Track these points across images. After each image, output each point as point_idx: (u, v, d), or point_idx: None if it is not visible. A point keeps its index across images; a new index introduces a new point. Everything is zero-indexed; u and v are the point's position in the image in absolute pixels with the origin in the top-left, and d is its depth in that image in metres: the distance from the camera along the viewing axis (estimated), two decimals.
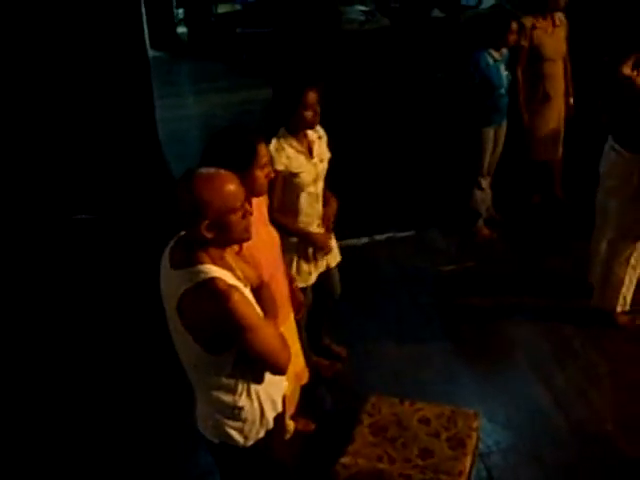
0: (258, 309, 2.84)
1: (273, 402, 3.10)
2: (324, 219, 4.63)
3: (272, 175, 3.67)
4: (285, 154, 4.26)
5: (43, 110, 7.27)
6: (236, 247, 3.25)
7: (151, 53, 12.85)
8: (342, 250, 5.02)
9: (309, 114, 4.27)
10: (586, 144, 6.66)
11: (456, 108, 6.78)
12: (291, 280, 4.17)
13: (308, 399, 4.61)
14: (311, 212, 4.51)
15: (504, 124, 6.72)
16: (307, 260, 4.59)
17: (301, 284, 4.52)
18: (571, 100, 7.22)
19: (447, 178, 7.86)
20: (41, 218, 7.19)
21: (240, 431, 2.99)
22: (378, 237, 7.21)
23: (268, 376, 2.98)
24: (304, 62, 12.60)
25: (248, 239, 2.91)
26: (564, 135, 7.30)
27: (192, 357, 2.82)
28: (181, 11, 18.44)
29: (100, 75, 7.35)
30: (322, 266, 4.74)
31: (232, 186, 2.70)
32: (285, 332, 3.27)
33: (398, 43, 15.18)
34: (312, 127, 4.41)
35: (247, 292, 2.84)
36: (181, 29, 18.15)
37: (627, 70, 4.96)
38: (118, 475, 4.56)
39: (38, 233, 7.00)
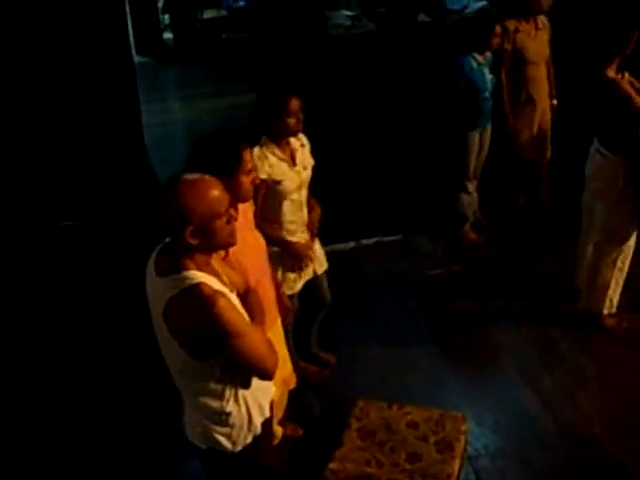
0: (245, 315, 2.84)
1: (261, 407, 3.10)
2: (309, 225, 4.63)
3: (257, 181, 3.67)
4: (268, 162, 4.22)
5: (28, 116, 7.23)
6: (222, 253, 3.25)
7: (137, 59, 12.87)
8: (329, 255, 5.01)
9: (292, 121, 4.24)
10: (572, 147, 6.68)
11: (441, 112, 6.79)
12: (278, 285, 4.16)
13: (296, 404, 4.60)
14: (295, 219, 4.49)
15: (489, 127, 6.74)
16: (292, 268, 4.59)
17: (287, 291, 4.51)
18: (555, 102, 7.25)
19: (433, 182, 7.87)
20: (27, 225, 7.15)
21: (228, 437, 2.99)
22: (365, 241, 7.21)
23: (255, 381, 2.98)
24: (289, 68, 12.63)
25: (233, 244, 2.90)
26: (551, 137, 7.33)
27: (179, 363, 2.82)
28: (167, 17, 18.45)
29: (86, 81, 7.32)
30: (308, 274, 4.73)
31: (216, 192, 2.70)
32: (272, 337, 3.27)
33: (384, 48, 15.19)
34: (295, 134, 4.39)
35: (233, 298, 2.83)
36: (167, 35, 18.16)
37: (611, 73, 4.98)
38: None
39: (24, 240, 6.97)
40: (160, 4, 18.67)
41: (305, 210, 4.56)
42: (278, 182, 4.28)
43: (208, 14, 18.28)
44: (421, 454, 3.94)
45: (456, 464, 3.92)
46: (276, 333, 3.92)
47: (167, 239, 2.80)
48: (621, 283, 5.54)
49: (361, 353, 5.52)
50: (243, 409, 2.98)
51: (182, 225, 2.64)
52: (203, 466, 3.18)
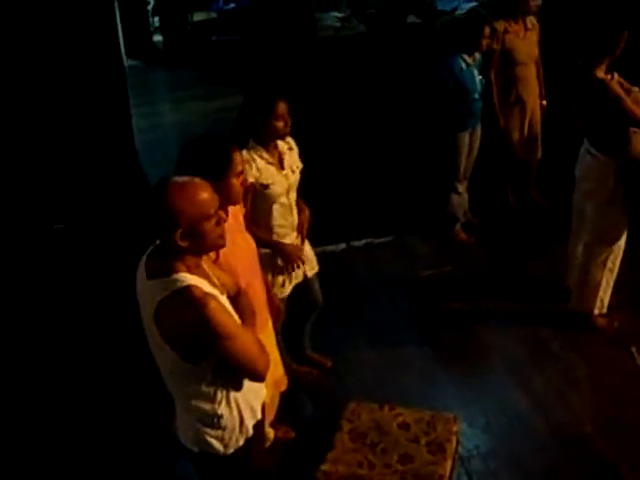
0: (235, 316, 2.84)
1: (252, 410, 3.10)
2: (299, 228, 4.62)
3: (247, 183, 3.67)
4: (255, 166, 4.21)
5: (20, 119, 7.22)
6: (213, 255, 3.25)
7: (127, 62, 12.82)
8: (320, 257, 5.02)
9: (280, 125, 4.23)
10: (562, 147, 6.70)
11: (431, 113, 6.80)
12: (268, 287, 4.16)
13: (288, 406, 4.60)
14: (284, 223, 4.49)
15: (478, 128, 6.75)
16: (282, 271, 4.58)
17: (277, 295, 4.51)
18: (544, 103, 7.27)
19: (424, 183, 7.88)
20: (20, 228, 7.14)
21: (220, 439, 2.99)
22: (356, 243, 7.21)
23: (247, 383, 2.98)
24: (279, 70, 12.62)
25: (223, 246, 2.91)
26: (541, 138, 7.35)
27: (170, 366, 2.82)
28: (157, 19, 18.42)
29: (76, 84, 7.31)
30: (298, 276, 4.72)
31: (205, 194, 2.70)
32: (263, 339, 3.26)
33: (374, 49, 15.20)
34: (283, 138, 4.38)
35: (224, 300, 2.84)
36: (157, 37, 18.11)
37: (601, 74, 4.99)
38: None
39: (17, 243, 6.96)
40: (150, 7, 18.64)
41: (295, 213, 4.56)
42: (266, 186, 4.27)
43: (198, 17, 18.27)
44: (413, 455, 3.94)
45: (448, 465, 3.92)
46: (267, 335, 3.92)
47: (157, 242, 2.79)
48: (612, 283, 5.56)
49: (353, 355, 5.52)
50: (235, 411, 2.98)
51: (172, 228, 2.64)
52: (195, 469, 3.17)
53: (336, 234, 7.17)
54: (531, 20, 6.98)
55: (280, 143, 4.41)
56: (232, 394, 2.94)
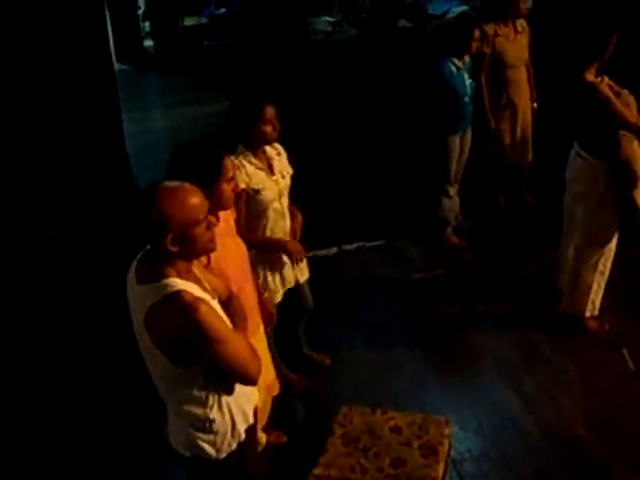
0: (227, 321, 2.84)
1: (244, 414, 3.10)
2: (292, 233, 4.62)
3: (238, 189, 3.67)
4: (245, 171, 4.19)
5: (10, 124, 7.22)
6: (204, 260, 3.26)
7: (117, 66, 12.84)
8: (312, 261, 5.02)
9: (268, 129, 4.22)
10: (552, 150, 6.71)
11: (421, 117, 6.81)
12: (260, 291, 4.15)
13: (280, 411, 4.60)
14: (278, 229, 4.48)
15: (469, 132, 6.76)
16: (274, 277, 4.58)
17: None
18: (535, 105, 7.28)
19: (415, 187, 7.89)
20: (11, 234, 7.13)
21: (212, 444, 2.99)
22: (347, 247, 7.21)
23: (239, 387, 2.98)
24: (270, 74, 12.63)
25: (213, 250, 2.92)
26: (532, 140, 7.37)
27: (161, 371, 2.82)
28: (147, 24, 18.44)
29: (66, 89, 7.31)
30: (290, 282, 4.73)
31: (195, 198, 2.70)
32: (255, 344, 3.26)
33: (365, 53, 15.23)
34: (271, 142, 4.36)
35: (215, 304, 2.84)
36: (148, 42, 18.13)
37: (590, 77, 5.01)
38: None
39: (8, 249, 6.95)
40: (140, 11, 18.66)
41: (288, 219, 4.55)
42: (257, 191, 4.25)
43: (189, 21, 18.31)
44: (405, 459, 3.93)
45: (440, 468, 3.91)
46: (259, 339, 3.92)
47: (147, 247, 2.79)
48: (603, 285, 5.57)
49: (345, 358, 5.51)
50: (227, 416, 2.98)
51: (162, 233, 2.63)
52: (187, 474, 3.16)
53: (328, 238, 7.17)
54: (521, 23, 7.00)
55: (268, 149, 4.39)
56: (224, 398, 2.94)
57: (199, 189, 2.76)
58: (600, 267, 5.47)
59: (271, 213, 4.40)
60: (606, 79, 5.09)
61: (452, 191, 6.93)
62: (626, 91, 5.11)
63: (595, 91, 4.96)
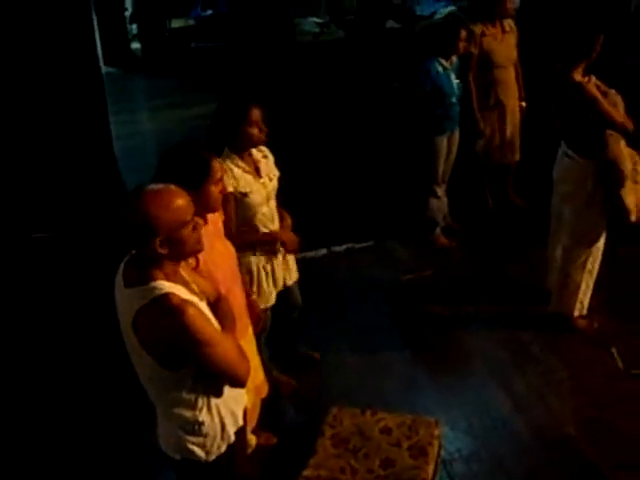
0: (215, 323, 2.83)
1: (234, 416, 3.09)
2: None
3: (226, 191, 3.67)
4: (232, 175, 4.15)
5: None
6: (193, 262, 3.25)
7: (105, 69, 12.82)
8: (301, 262, 5.02)
9: (255, 131, 4.19)
10: (540, 150, 6.72)
11: (409, 117, 6.81)
12: (248, 293, 4.15)
13: (269, 412, 4.59)
14: (267, 232, 4.48)
15: (456, 132, 6.76)
16: (267, 280, 4.57)
17: (262, 305, 4.51)
18: (523, 104, 7.29)
19: (403, 188, 7.90)
20: None
21: (202, 446, 2.99)
22: (337, 248, 7.22)
23: (228, 390, 2.98)
24: (258, 75, 12.62)
25: (201, 250, 2.92)
26: (520, 140, 7.39)
27: (150, 373, 2.81)
28: (135, 27, 18.42)
29: (53, 92, 7.28)
30: (280, 285, 4.73)
31: (180, 200, 2.70)
32: (244, 345, 3.26)
33: (353, 54, 15.25)
34: (258, 145, 4.33)
35: (203, 306, 2.84)
36: (135, 45, 18.10)
37: (578, 76, 5.02)
38: None
39: None
40: (128, 14, 18.64)
41: (277, 221, 4.53)
42: (245, 194, 4.22)
43: (176, 23, 18.30)
44: (395, 460, 3.93)
45: (430, 469, 3.91)
46: (247, 341, 3.91)
47: (134, 250, 2.78)
48: (591, 285, 5.58)
49: (335, 360, 5.51)
50: (216, 418, 2.98)
51: (150, 236, 2.63)
52: (177, 476, 3.16)
53: (317, 240, 7.16)
54: (509, 23, 7.00)
55: (254, 151, 4.36)
56: (213, 401, 2.94)
57: (184, 191, 2.75)
58: (588, 266, 5.48)
59: (260, 217, 4.38)
60: (593, 79, 5.10)
61: (440, 191, 6.94)
62: (613, 91, 5.12)
63: (582, 91, 4.97)
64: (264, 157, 4.42)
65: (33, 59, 7.08)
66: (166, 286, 2.68)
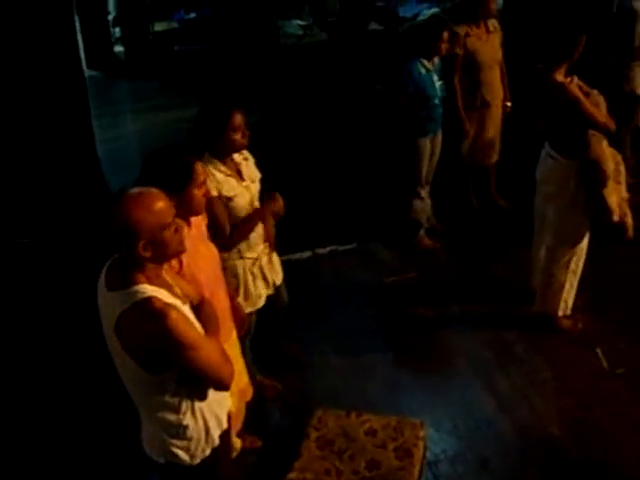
0: (198, 326, 2.83)
1: (218, 419, 3.09)
2: (267, 237, 4.61)
3: (210, 194, 3.67)
4: (215, 179, 4.13)
5: None
6: (176, 265, 3.25)
7: (88, 73, 12.78)
8: (285, 265, 5.01)
9: (237, 137, 4.17)
10: (522, 150, 6.74)
11: (391, 119, 6.80)
12: (232, 296, 4.14)
13: (254, 416, 4.59)
14: (253, 234, 4.45)
15: (439, 133, 6.76)
16: (254, 283, 4.56)
17: (250, 308, 4.52)
18: (509, 104, 7.30)
19: (386, 189, 7.90)
20: None
21: (186, 450, 2.99)
22: (320, 251, 7.21)
23: (212, 393, 2.97)
24: (239, 79, 12.61)
25: (183, 252, 2.93)
26: (501, 140, 7.40)
27: (133, 377, 2.81)
28: (118, 30, 18.37)
29: (35, 96, 7.25)
30: (271, 287, 4.73)
31: (161, 203, 2.70)
32: (228, 349, 3.26)
33: (336, 56, 15.25)
34: (241, 150, 4.32)
35: (186, 309, 2.83)
36: (118, 48, 18.06)
37: (560, 77, 5.03)
38: None
39: None
40: (110, 17, 18.59)
41: (260, 223, 4.53)
42: (230, 199, 4.21)
43: (159, 27, 18.26)
44: (380, 461, 3.93)
45: (416, 470, 3.92)
46: (232, 345, 3.90)
47: (117, 254, 2.78)
48: (575, 285, 5.59)
49: (320, 362, 5.51)
50: (200, 422, 2.98)
51: (133, 239, 2.63)
52: None
53: (301, 242, 7.17)
54: (493, 23, 7.00)
55: (235, 155, 4.33)
56: (197, 404, 2.94)
57: (167, 194, 2.75)
58: (572, 266, 5.49)
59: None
60: (576, 79, 5.11)
61: (423, 193, 6.93)
62: (595, 91, 5.14)
63: (565, 91, 4.99)
64: (245, 160, 4.41)
65: (15, 63, 7.05)
66: (149, 290, 2.67)
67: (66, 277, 6.60)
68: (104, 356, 2.89)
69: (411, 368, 5.44)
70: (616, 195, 5.19)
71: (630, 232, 5.33)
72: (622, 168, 5.27)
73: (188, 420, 2.93)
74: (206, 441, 3.03)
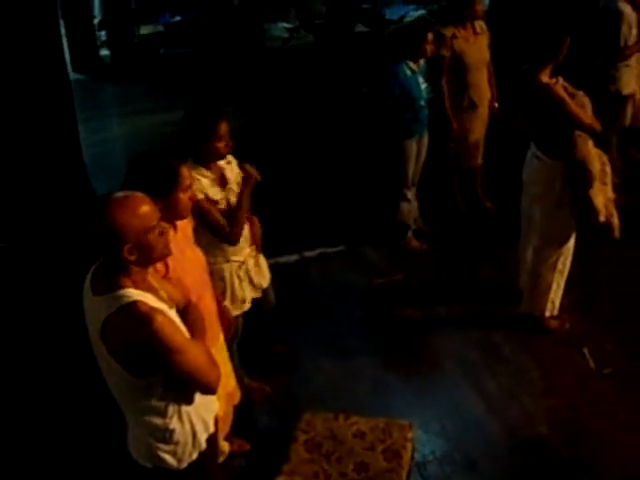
0: (184, 330, 2.83)
1: (205, 423, 3.09)
2: (253, 240, 4.61)
3: (196, 198, 3.66)
4: (200, 185, 4.13)
5: None
6: (162, 269, 3.25)
7: (73, 76, 12.72)
8: (273, 268, 5.01)
9: (221, 145, 4.19)
10: (509, 151, 6.74)
11: (378, 121, 6.81)
12: (219, 300, 4.13)
13: (242, 419, 4.58)
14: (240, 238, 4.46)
15: (425, 135, 6.75)
16: (240, 286, 4.56)
17: (236, 311, 4.51)
18: (495, 105, 7.31)
19: (374, 192, 7.90)
20: None
21: (173, 454, 2.98)
22: (308, 254, 7.20)
23: (199, 397, 2.97)
24: (227, 80, 12.59)
25: (169, 255, 2.94)
26: (486, 141, 7.42)
27: (119, 382, 2.80)
28: (103, 33, 18.31)
29: (21, 100, 7.21)
30: (256, 289, 4.72)
31: (146, 206, 2.70)
32: (215, 352, 3.26)
33: (323, 59, 15.24)
34: (223, 158, 4.32)
35: (172, 313, 2.83)
36: (104, 51, 18.00)
37: (545, 78, 5.05)
38: None
39: None
40: (96, 21, 18.54)
41: (246, 227, 4.52)
42: (216, 202, 4.22)
43: (145, 30, 18.21)
44: (369, 463, 3.93)
45: (404, 472, 3.92)
46: (219, 348, 3.90)
47: (102, 258, 2.77)
48: (562, 285, 5.61)
49: (308, 365, 5.50)
50: (187, 426, 2.97)
51: (118, 243, 2.63)
52: None
53: (288, 245, 7.16)
54: (480, 24, 7.01)
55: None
56: (184, 408, 2.93)
57: (153, 198, 2.75)
58: (559, 267, 5.51)
59: None
60: (561, 80, 5.13)
61: (410, 195, 6.93)
62: (581, 92, 5.15)
63: (550, 92, 5.00)
64: (228, 163, 4.39)
65: (0, 67, 7.02)
66: (134, 294, 2.67)
67: (50, 282, 6.57)
68: (89, 361, 2.88)
69: (399, 370, 5.44)
70: (602, 195, 5.20)
71: (616, 232, 5.35)
72: (608, 168, 5.28)
73: (175, 424, 2.92)
74: (193, 445, 3.02)
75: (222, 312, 4.09)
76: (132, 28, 17.65)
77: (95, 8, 19.45)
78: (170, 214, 3.35)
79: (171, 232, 3.26)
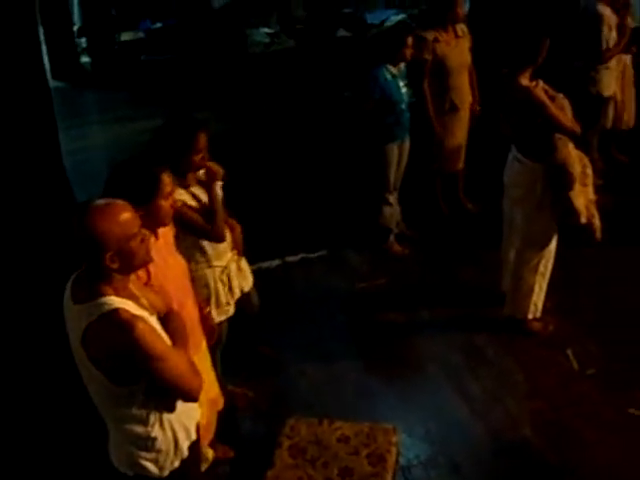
0: (166, 337, 2.82)
1: (187, 431, 3.07)
2: (235, 245, 4.60)
3: (177, 205, 3.65)
4: (178, 192, 4.03)
5: None
6: (144, 277, 3.24)
7: (53, 84, 12.69)
8: (255, 273, 5.02)
9: (198, 158, 4.17)
10: (491, 154, 6.76)
11: (359, 125, 6.81)
12: (201, 307, 4.11)
13: (226, 426, 4.56)
14: (223, 244, 4.45)
15: (407, 139, 6.76)
16: (224, 291, 4.55)
17: (222, 317, 4.51)
18: (477, 107, 7.32)
19: (355, 196, 7.90)
20: None
21: (155, 462, 2.97)
22: (291, 258, 7.19)
23: (180, 404, 2.96)
24: (204, 89, 12.57)
25: (150, 261, 2.94)
26: (468, 144, 7.43)
27: (100, 390, 2.79)
28: (84, 40, 18.26)
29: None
30: (237, 293, 4.70)
31: (127, 214, 2.70)
32: (197, 360, 3.25)
33: (304, 64, 15.27)
34: (199, 170, 4.30)
35: (154, 321, 2.82)
36: (84, 58, 17.96)
37: (525, 81, 5.07)
38: None
39: None
40: (76, 28, 18.49)
41: (227, 232, 4.51)
42: (194, 207, 4.22)
43: (125, 36, 18.20)
44: (353, 468, 3.93)
45: (389, 476, 3.93)
46: (201, 356, 3.89)
47: (83, 266, 2.76)
48: (544, 287, 5.62)
49: (291, 369, 5.49)
50: (169, 433, 2.96)
51: (100, 251, 2.63)
52: None
53: (270, 250, 7.15)
54: (461, 27, 7.03)
55: None
56: (165, 416, 2.92)
57: (134, 205, 2.74)
58: (541, 269, 5.52)
59: None
60: (541, 83, 5.15)
61: (392, 199, 6.93)
62: (561, 95, 5.17)
63: (530, 95, 5.02)
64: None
65: None
66: (115, 301, 2.66)
67: (31, 289, 6.53)
68: (71, 369, 2.87)
69: (382, 374, 5.44)
70: (583, 197, 5.23)
71: (598, 234, 5.37)
72: (589, 170, 5.30)
73: (156, 432, 2.90)
74: (175, 453, 3.01)
75: (204, 318, 4.07)
76: (112, 35, 17.63)
77: (75, 15, 19.39)
78: (151, 221, 3.33)
79: (152, 239, 3.25)
